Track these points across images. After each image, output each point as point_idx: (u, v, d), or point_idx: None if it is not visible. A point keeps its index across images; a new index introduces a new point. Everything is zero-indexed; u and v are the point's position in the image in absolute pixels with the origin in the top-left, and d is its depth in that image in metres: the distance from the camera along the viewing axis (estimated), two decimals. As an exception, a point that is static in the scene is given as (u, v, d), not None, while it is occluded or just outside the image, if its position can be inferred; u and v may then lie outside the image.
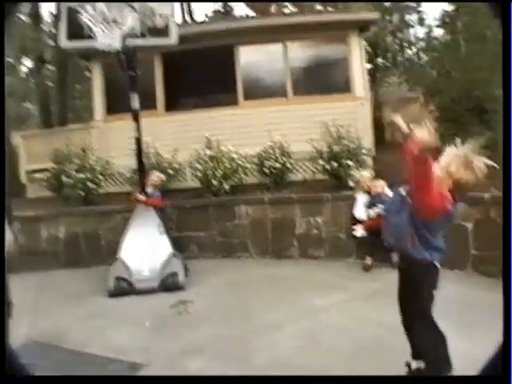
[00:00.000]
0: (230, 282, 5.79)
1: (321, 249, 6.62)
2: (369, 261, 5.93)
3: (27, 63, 14.40)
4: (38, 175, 9.37)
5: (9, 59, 10.84)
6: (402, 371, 3.23)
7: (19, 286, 6.26)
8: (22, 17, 11.82)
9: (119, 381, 2.08)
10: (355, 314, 4.44)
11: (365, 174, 6.15)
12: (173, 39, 5.90)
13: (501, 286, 2.03)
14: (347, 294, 4.99)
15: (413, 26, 16.75)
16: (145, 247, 5.65)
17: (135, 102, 5.94)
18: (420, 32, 21.84)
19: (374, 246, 5.91)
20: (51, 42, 17.71)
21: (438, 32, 15.30)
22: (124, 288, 5.39)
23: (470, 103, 7.06)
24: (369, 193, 6.11)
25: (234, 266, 6.56)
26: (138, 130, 5.94)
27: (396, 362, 3.38)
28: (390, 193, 6.06)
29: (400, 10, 16.20)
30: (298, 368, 3.39)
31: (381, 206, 5.93)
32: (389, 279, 5.34)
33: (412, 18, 16.64)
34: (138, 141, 5.97)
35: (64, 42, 5.79)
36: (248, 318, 4.47)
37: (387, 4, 15.39)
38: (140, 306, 5.01)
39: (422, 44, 16.58)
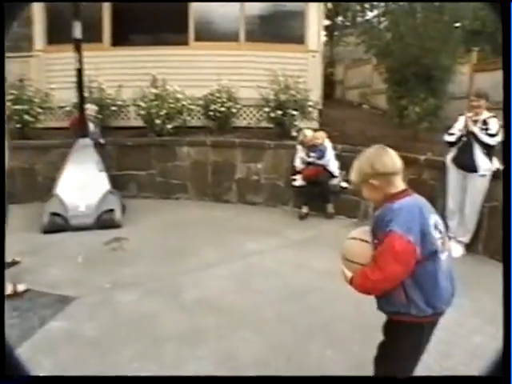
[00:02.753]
0: (167, 221, 5.83)
1: (259, 195, 6.77)
2: (305, 209, 6.12)
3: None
4: None
5: None
6: (327, 312, 3.46)
7: None
8: None
9: (119, 381, 2.11)
10: (287, 259, 4.60)
11: (309, 134, 6.23)
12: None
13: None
14: (281, 240, 5.16)
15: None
16: (82, 183, 5.55)
17: (78, 30, 5.67)
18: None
19: (311, 196, 6.12)
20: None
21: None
22: (59, 224, 5.31)
23: (418, 69, 7.21)
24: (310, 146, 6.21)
25: (172, 207, 6.60)
26: (80, 61, 5.70)
27: (323, 304, 3.60)
28: (329, 145, 6.22)
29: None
30: (224, 307, 3.53)
31: (314, 154, 6.09)
32: (322, 228, 5.60)
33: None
34: (80, 72, 5.74)
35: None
36: (181, 257, 4.57)
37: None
38: (74, 242, 4.97)
39: (383, 8, 16.48)
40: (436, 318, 2.10)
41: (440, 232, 2.00)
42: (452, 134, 4.78)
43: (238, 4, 8.39)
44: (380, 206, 2.03)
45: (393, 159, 2.00)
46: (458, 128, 4.76)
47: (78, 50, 5.66)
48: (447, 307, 2.08)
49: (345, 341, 3.07)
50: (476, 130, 4.59)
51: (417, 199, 2.01)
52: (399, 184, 2.01)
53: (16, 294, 3.85)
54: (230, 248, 4.84)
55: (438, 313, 2.07)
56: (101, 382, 2.12)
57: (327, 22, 17.30)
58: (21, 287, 3.91)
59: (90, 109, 6.52)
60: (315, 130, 6.49)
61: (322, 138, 6.19)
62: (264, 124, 7.52)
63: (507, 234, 1.51)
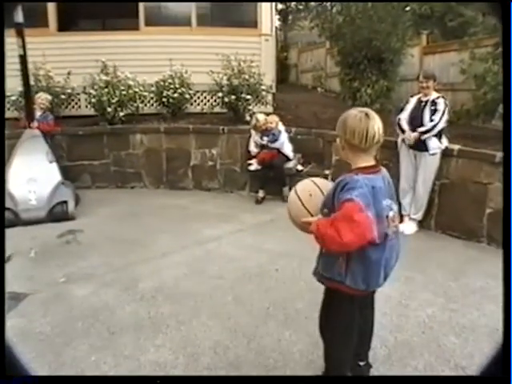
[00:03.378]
0: (122, 211, 5.74)
1: (215, 180, 6.76)
2: (261, 194, 6.17)
3: None
4: None
5: None
6: (283, 293, 3.52)
7: None
8: None
9: (120, 381, 2.05)
10: (244, 244, 4.63)
11: (261, 118, 6.23)
12: None
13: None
14: (238, 225, 5.18)
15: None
16: (32, 176, 5.37)
17: (19, 15, 5.42)
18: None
19: (267, 180, 6.16)
20: None
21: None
22: (9, 219, 5.09)
23: (369, 52, 7.33)
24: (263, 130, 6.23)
25: (127, 196, 6.51)
26: (23, 46, 5.46)
27: (279, 285, 3.66)
28: (282, 128, 6.26)
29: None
30: (181, 294, 3.53)
31: (266, 138, 6.13)
32: (279, 212, 5.64)
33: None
34: (23, 59, 5.51)
35: None
36: (138, 247, 4.52)
37: None
38: (26, 237, 4.80)
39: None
40: (367, 293, 2.21)
41: (392, 215, 2.06)
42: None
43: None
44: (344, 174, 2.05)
45: (366, 135, 1.96)
46: (409, 109, 4.91)
47: (20, 34, 5.42)
48: (383, 284, 2.16)
49: (302, 320, 3.13)
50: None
51: (380, 179, 2.03)
52: (368, 159, 2.03)
53: None
54: (186, 235, 4.82)
55: (371, 290, 2.19)
56: (101, 381, 2.10)
57: (281, 6, 17.31)
58: None
59: (42, 97, 6.28)
60: (268, 114, 6.51)
61: (275, 121, 6.22)
62: (218, 109, 7.48)
63: (507, 233, 1.45)
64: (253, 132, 6.30)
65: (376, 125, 1.98)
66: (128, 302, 3.43)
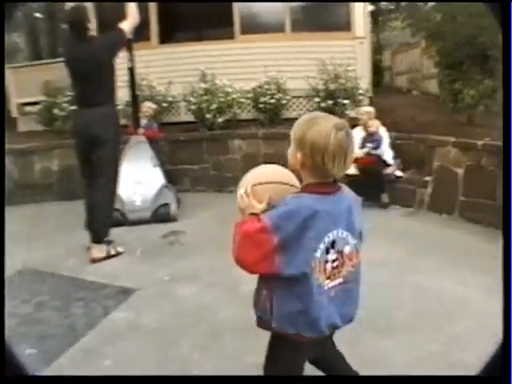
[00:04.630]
0: (221, 215, 5.79)
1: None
2: (359, 199, 5.97)
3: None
4: (28, 108, 9.25)
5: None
6: (382, 302, 3.36)
7: (14, 218, 6.39)
8: None
9: (120, 381, 2.14)
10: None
11: (368, 109, 6.07)
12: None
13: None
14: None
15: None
16: (138, 178, 5.67)
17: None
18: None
19: (365, 186, 5.95)
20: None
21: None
22: (116, 218, 5.39)
23: (473, 50, 6.89)
24: (366, 131, 6.07)
25: (225, 200, 6.55)
26: (132, 59, 5.80)
27: (379, 294, 3.49)
28: (385, 133, 6.06)
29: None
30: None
31: (370, 145, 5.95)
32: (377, 219, 5.45)
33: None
34: (132, 71, 5.85)
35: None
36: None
37: None
38: (132, 236, 5.07)
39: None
40: (318, 340, 1.71)
41: (349, 251, 1.65)
42: None
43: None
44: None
45: (333, 158, 1.52)
46: None
47: (129, 49, 5.76)
48: (329, 331, 1.72)
49: (405, 330, 3.00)
50: None
51: (335, 203, 1.60)
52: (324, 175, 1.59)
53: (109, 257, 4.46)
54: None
55: (312, 337, 1.66)
56: (101, 382, 2.15)
57: (371, 8, 16.96)
58: (120, 249, 4.55)
59: (147, 106, 6.64)
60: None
61: (377, 126, 6.04)
62: (314, 114, 7.43)
63: (507, 232, 1.48)
64: (355, 132, 6.15)
65: (349, 146, 1.55)
66: (230, 303, 3.46)
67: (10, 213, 6.63)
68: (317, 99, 7.11)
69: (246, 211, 1.68)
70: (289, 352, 1.72)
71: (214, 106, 6.98)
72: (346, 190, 1.67)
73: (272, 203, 1.64)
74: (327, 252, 1.59)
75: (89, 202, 4.65)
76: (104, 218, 4.61)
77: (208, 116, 7.00)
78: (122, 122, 7.60)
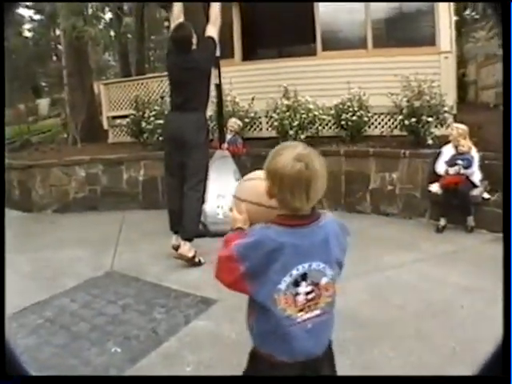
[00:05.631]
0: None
1: (393, 205, 6.48)
2: (442, 222, 5.72)
3: (107, 15, 14.86)
4: (118, 121, 9.83)
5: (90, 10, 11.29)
6: (468, 332, 3.24)
7: (103, 222, 6.78)
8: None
9: (119, 381, 2.20)
10: (426, 274, 4.37)
11: (461, 127, 5.86)
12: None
13: None
14: (418, 254, 4.91)
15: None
16: (220, 192, 5.81)
17: (217, 49, 5.98)
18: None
19: (449, 207, 5.73)
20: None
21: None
22: (199, 229, 5.59)
23: None
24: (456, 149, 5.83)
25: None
26: (219, 76, 6.02)
27: (464, 323, 3.39)
28: (476, 154, 5.79)
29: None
30: (362, 320, 3.45)
31: (461, 162, 5.71)
32: (462, 243, 5.24)
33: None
34: (219, 87, 6.06)
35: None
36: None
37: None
38: (213, 248, 5.13)
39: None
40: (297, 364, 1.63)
41: (325, 282, 1.61)
42: None
43: (363, 9, 8.29)
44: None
45: (299, 194, 1.50)
46: None
47: (217, 66, 5.97)
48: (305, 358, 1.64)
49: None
50: None
51: (309, 235, 1.56)
52: (285, 208, 1.56)
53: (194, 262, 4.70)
54: (366, 260, 4.69)
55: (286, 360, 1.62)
56: (101, 382, 2.17)
57: (455, 18, 16.28)
58: (202, 259, 4.79)
59: (233, 122, 6.84)
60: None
61: (468, 145, 5.78)
62: (397, 132, 7.27)
63: (507, 233, 1.48)
64: (444, 150, 5.95)
65: (311, 179, 1.51)
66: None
67: (99, 218, 7.13)
68: (400, 116, 6.94)
69: (232, 224, 1.73)
70: (265, 368, 1.67)
71: (296, 122, 7.01)
72: (328, 220, 1.62)
73: (252, 222, 1.67)
74: (297, 285, 1.56)
75: (173, 204, 4.92)
76: (196, 216, 4.88)
77: (291, 132, 7.02)
78: (206, 136, 7.95)
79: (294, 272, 1.55)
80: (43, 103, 22.97)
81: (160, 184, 7.43)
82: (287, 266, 1.54)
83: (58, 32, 17.19)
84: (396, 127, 7.33)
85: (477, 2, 7.26)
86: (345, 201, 6.81)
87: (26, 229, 6.83)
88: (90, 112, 11.13)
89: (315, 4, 8.51)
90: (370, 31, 8.29)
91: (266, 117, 7.83)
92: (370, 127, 7.67)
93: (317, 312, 1.63)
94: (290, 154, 1.51)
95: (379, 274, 4.37)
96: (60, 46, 15.61)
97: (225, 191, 5.78)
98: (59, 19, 11.58)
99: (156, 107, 8.05)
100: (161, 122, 7.67)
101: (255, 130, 8.38)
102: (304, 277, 1.57)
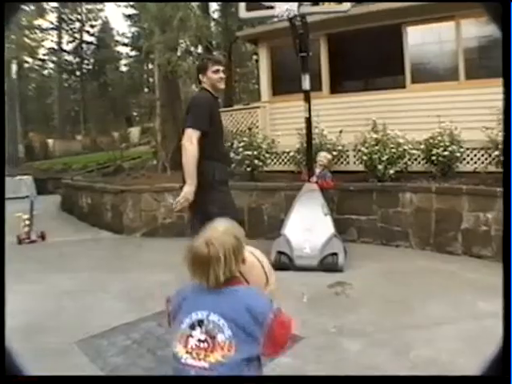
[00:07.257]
0: (387, 269, 5.68)
1: (487, 248, 6.06)
2: (541, 267, 5.34)
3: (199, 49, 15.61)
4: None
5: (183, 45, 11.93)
6: None
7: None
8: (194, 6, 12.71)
9: (120, 380, 2.21)
10: (522, 323, 4.06)
11: None
12: (345, 6, 5.94)
13: None
14: (516, 303, 4.59)
15: None
16: (308, 226, 5.80)
17: (306, 82, 6.11)
18: None
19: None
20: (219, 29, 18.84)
21: None
22: (284, 262, 5.63)
23: None
24: None
25: (392, 254, 6.45)
26: (309, 110, 6.11)
27: None
28: None
29: None
30: (456, 372, 3.21)
31: None
32: None
33: None
34: (308, 120, 6.14)
35: (243, 13, 6.23)
36: (406, 310, 4.37)
37: None
38: (297, 282, 5.13)
39: None
40: None
41: (204, 335, 1.72)
42: None
43: (453, 39, 8.11)
44: None
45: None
46: None
47: (307, 99, 6.08)
48: None
49: None
50: None
51: (201, 293, 1.82)
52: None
53: None
54: (458, 305, 4.46)
55: None
56: (101, 382, 2.13)
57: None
58: None
59: (323, 155, 6.87)
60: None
61: None
62: (492, 168, 6.91)
63: (507, 234, 1.48)
64: None
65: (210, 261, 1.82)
66: (400, 367, 3.30)
67: (185, 244, 7.28)
68: (496, 152, 6.60)
69: None
70: None
71: (385, 156, 6.90)
72: (245, 291, 1.85)
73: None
74: (193, 328, 1.72)
75: None
76: None
77: (379, 167, 6.93)
78: (293, 168, 8.04)
79: (194, 316, 1.75)
80: (134, 131, 24.40)
81: (247, 214, 7.58)
82: (189, 310, 1.78)
83: (150, 66, 18.24)
84: (490, 163, 6.97)
85: (477, 2, 6.82)
86: (434, 240, 6.52)
87: (115, 250, 7.19)
88: (180, 142, 11.59)
89: (404, 35, 8.44)
90: (462, 62, 8.03)
91: (354, 150, 7.77)
92: (462, 163, 7.31)
93: (204, 364, 1.67)
94: (198, 238, 1.86)
95: (473, 322, 4.09)
96: (151, 79, 16.51)
97: (312, 225, 5.79)
98: (153, 55, 12.30)
99: (245, 138, 8.27)
100: (249, 153, 7.89)
101: (342, 163, 8.34)
102: (200, 323, 1.73)
